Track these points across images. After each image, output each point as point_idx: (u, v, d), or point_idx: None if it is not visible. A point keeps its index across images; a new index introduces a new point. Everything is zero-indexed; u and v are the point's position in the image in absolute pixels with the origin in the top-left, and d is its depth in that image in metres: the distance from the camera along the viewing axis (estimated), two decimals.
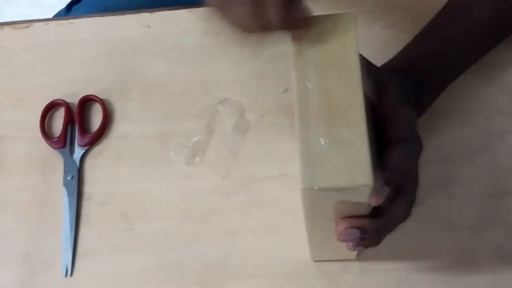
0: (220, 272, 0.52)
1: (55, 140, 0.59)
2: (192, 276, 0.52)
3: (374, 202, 0.36)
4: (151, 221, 0.55)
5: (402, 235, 0.52)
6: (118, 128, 0.60)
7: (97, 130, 0.59)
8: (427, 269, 0.51)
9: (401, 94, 0.42)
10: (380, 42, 0.61)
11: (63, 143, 0.59)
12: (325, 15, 0.38)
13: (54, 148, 0.59)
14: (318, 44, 0.38)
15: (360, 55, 0.38)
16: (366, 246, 0.42)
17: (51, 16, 0.81)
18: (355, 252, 0.49)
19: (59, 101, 0.61)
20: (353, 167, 0.34)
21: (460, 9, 0.54)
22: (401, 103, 0.41)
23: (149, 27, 0.65)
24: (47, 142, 0.59)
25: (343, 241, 0.40)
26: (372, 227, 0.40)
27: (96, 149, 0.59)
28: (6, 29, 0.67)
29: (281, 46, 0.62)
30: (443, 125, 0.56)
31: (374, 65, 0.43)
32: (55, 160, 0.58)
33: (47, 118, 0.61)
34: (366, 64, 0.40)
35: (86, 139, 0.59)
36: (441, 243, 0.52)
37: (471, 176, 0.54)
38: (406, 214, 0.43)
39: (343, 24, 0.38)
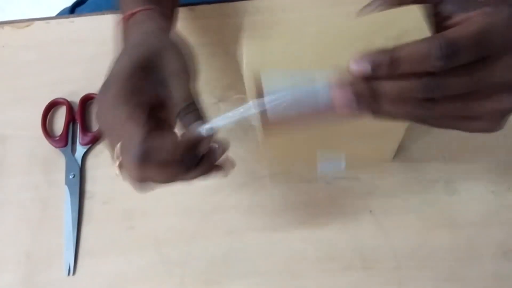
0: (222, 270, 0.52)
1: (56, 139, 0.59)
2: (194, 274, 0.52)
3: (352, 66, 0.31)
4: (152, 219, 0.55)
5: (403, 231, 0.52)
6: None
7: (98, 128, 0.59)
8: (429, 266, 0.51)
9: None
10: None
11: (64, 142, 0.59)
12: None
13: (56, 147, 0.59)
14: (384, 27, 0.36)
15: None
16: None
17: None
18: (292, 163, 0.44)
19: (61, 100, 0.61)
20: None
21: None
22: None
23: None
24: (48, 141, 0.59)
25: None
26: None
27: (98, 148, 0.59)
28: (7, 28, 0.67)
29: None
30: None
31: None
32: (56, 159, 0.58)
33: (48, 117, 0.61)
34: None
35: (88, 138, 0.59)
36: (443, 240, 0.52)
37: (474, 172, 0.54)
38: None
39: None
